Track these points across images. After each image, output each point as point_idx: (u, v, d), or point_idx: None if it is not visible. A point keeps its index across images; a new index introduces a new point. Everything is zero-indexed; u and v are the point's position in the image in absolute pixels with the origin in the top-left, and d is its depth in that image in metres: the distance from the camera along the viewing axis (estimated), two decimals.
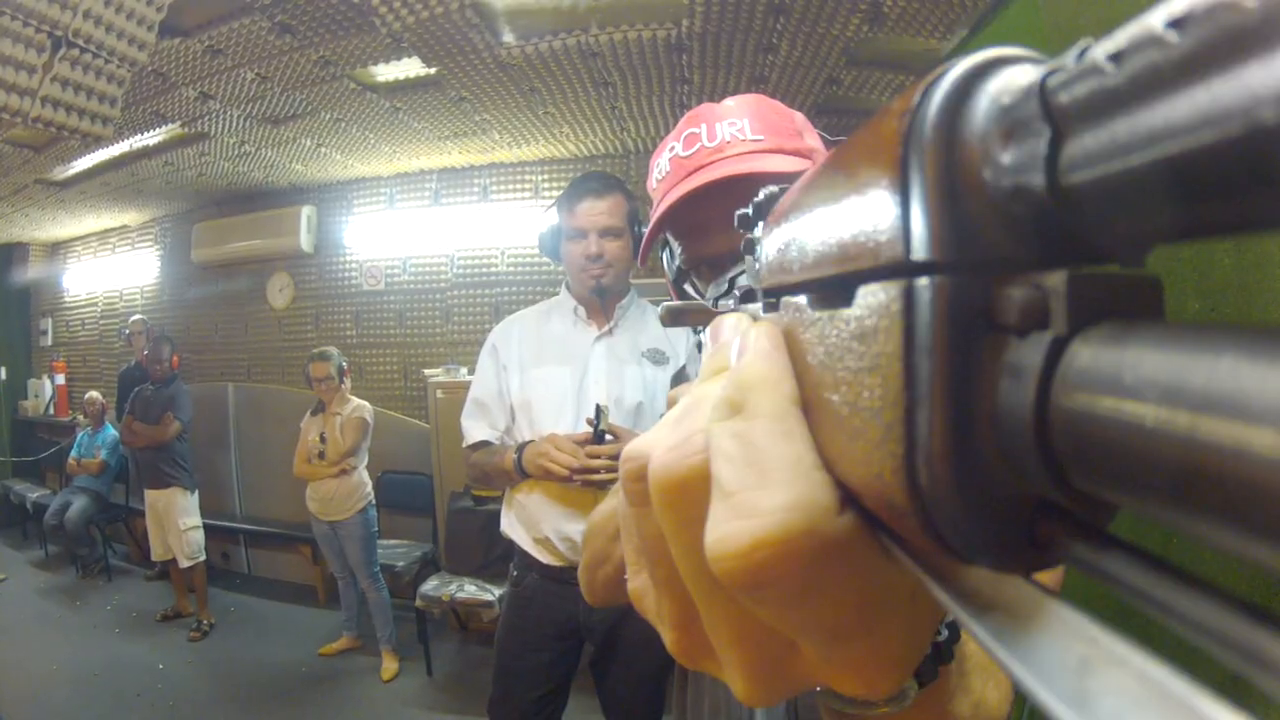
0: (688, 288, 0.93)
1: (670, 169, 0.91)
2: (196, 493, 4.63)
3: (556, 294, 2.14)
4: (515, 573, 2.07)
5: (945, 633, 0.38)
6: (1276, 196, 0.10)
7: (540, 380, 1.99)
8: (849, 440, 0.19)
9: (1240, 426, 0.10)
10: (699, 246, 0.89)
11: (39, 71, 2.71)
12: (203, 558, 4.56)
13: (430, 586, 3.86)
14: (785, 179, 0.31)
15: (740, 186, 0.77)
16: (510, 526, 2.03)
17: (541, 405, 1.97)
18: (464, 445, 2.07)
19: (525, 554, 1.99)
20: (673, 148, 0.91)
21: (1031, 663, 0.14)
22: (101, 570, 5.35)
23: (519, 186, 4.97)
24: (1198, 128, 0.10)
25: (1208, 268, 1.50)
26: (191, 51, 3.13)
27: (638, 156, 4.74)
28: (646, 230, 0.98)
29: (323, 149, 4.56)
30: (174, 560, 4.52)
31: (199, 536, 4.57)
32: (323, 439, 3.91)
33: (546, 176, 4.91)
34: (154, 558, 4.69)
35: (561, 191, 2.04)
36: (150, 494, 4.53)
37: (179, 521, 4.47)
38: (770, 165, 0.83)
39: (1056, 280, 0.15)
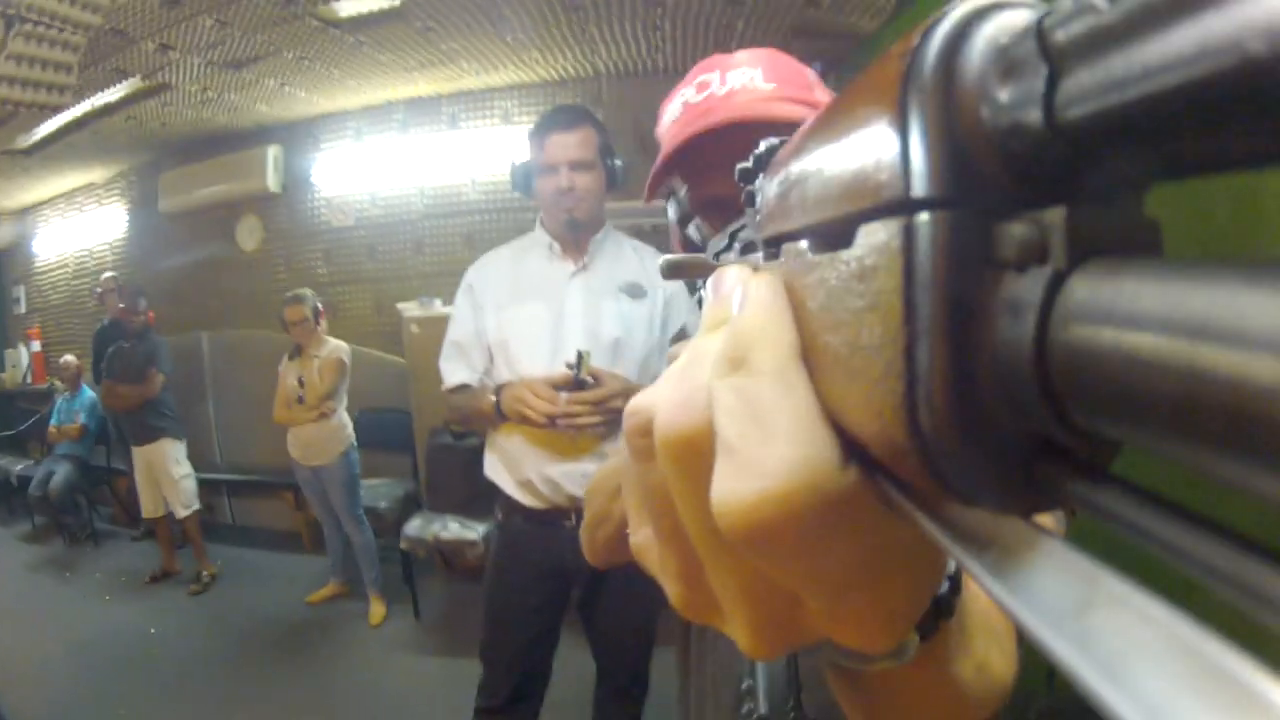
0: (691, 231, 0.93)
1: (681, 113, 0.93)
2: (184, 440, 4.62)
3: (530, 222, 2.10)
4: (500, 516, 2.07)
5: (946, 584, 0.38)
6: (1268, 130, 0.10)
7: (517, 319, 1.97)
8: (849, 381, 0.19)
9: (1240, 354, 0.10)
10: (705, 186, 0.89)
11: None
12: (197, 506, 4.57)
13: (414, 527, 3.86)
14: (794, 126, 0.31)
15: (748, 132, 0.77)
16: (493, 469, 2.03)
17: (519, 344, 1.95)
18: (444, 389, 2.06)
19: (509, 498, 1.99)
20: (684, 94, 0.94)
21: (1030, 600, 0.14)
22: (89, 536, 5.33)
23: (487, 113, 4.87)
24: (1190, 61, 0.10)
25: (1205, 218, 1.52)
26: (148, 6, 3.03)
27: (609, 79, 4.63)
28: (654, 165, 0.99)
29: (287, 88, 4.42)
30: (162, 519, 4.51)
31: (192, 484, 4.57)
32: (301, 383, 3.88)
33: (516, 102, 4.80)
34: (145, 515, 4.66)
35: (532, 120, 1.99)
36: (138, 450, 4.50)
37: (171, 471, 4.46)
38: (781, 111, 0.84)
39: (1055, 216, 0.15)
